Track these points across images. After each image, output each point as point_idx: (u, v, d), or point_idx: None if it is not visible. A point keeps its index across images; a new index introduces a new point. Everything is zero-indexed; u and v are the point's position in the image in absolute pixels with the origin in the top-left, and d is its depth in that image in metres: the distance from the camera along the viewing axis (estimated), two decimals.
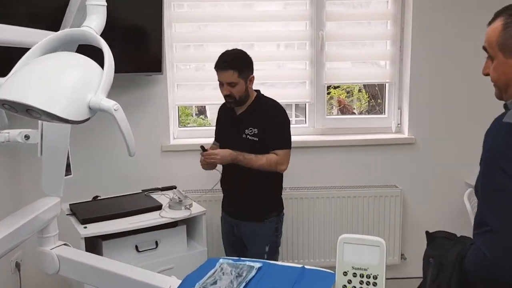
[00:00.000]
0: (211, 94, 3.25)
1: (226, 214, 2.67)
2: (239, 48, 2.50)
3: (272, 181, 2.54)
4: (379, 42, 3.29)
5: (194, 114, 7.22)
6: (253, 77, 2.46)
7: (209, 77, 3.17)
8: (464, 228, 3.12)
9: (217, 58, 2.43)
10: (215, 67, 2.43)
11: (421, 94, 3.17)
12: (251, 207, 2.52)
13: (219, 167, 2.59)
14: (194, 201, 2.71)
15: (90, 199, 2.77)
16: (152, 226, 2.44)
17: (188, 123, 6.24)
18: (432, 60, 3.13)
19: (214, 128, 2.74)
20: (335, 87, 3.70)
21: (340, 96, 5.86)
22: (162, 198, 2.76)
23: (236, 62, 2.40)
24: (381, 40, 3.27)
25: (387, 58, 3.26)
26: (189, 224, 2.63)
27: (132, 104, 3.07)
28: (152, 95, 3.10)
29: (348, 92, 5.41)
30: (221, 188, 2.67)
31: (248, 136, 2.45)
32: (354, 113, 6.54)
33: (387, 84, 3.33)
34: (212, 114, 8.43)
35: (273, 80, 3.21)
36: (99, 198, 2.79)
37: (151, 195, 2.79)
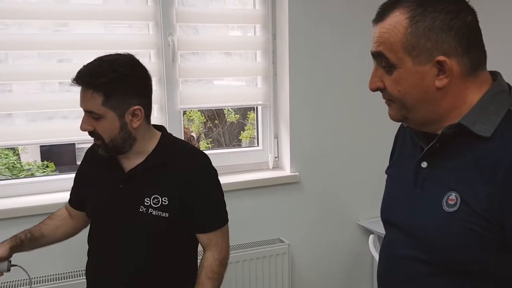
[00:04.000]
0: (22, 128, 2.14)
1: None
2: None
3: (187, 274, 1.57)
4: (247, 53, 2.52)
5: None
6: (140, 109, 1.41)
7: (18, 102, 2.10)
8: (363, 280, 2.56)
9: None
10: (72, 80, 1.40)
11: (304, 118, 2.47)
12: None
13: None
14: None
15: None
16: None
17: None
18: (316, 75, 2.46)
19: (73, 183, 1.67)
20: None
21: None
22: None
23: (103, 78, 1.35)
24: (250, 50, 2.50)
25: (258, 73, 2.50)
26: None
27: None
28: None
29: None
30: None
31: (150, 210, 1.43)
32: (192, 137, 5.73)
33: (259, 107, 2.56)
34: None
35: None
36: None
37: None
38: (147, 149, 1.47)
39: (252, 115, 5.92)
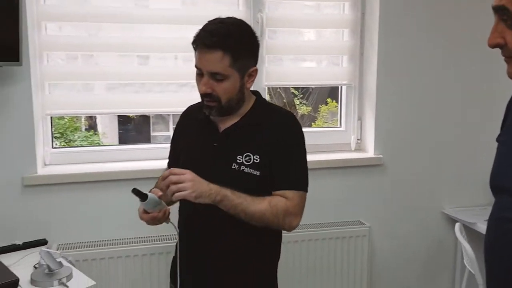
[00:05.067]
0: (103, 98, 2.25)
1: None
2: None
3: (268, 246, 1.58)
4: (334, 31, 2.50)
5: (83, 128, 6.01)
6: (256, 70, 1.47)
7: (100, 72, 2.20)
8: (446, 269, 2.43)
9: (203, 26, 1.43)
10: (193, 43, 1.42)
11: (390, 100, 2.41)
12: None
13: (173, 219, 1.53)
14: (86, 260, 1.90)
15: None
16: None
17: (75, 142, 5.04)
18: (406, 56, 2.40)
19: (170, 146, 1.70)
20: None
21: None
22: (25, 262, 1.74)
23: (232, 39, 1.38)
24: (337, 28, 2.48)
25: (344, 52, 2.47)
26: None
27: None
28: (4, 99, 1.99)
29: None
30: (177, 254, 1.58)
31: (242, 168, 1.46)
32: None
33: (343, 87, 2.53)
34: (105, 127, 7.18)
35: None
36: None
37: (4, 259, 1.72)
38: (243, 110, 1.50)
39: (323, 107, 5.86)
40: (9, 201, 2.03)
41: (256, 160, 1.45)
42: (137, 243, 2.13)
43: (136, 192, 1.34)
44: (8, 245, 1.87)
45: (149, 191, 1.42)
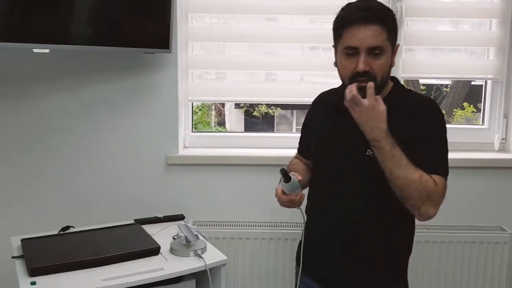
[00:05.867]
0: (234, 87, 2.35)
1: (312, 280, 1.60)
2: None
3: (405, 231, 1.54)
4: (480, 21, 2.33)
5: (213, 125, 6.33)
6: (398, 46, 1.45)
7: (234, 62, 2.32)
8: None
9: (344, 8, 1.42)
10: (341, 22, 1.40)
11: None
12: (370, 275, 1.49)
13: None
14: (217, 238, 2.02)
15: (56, 232, 1.85)
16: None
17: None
18: None
19: (300, 134, 1.73)
20: None
21: None
22: (165, 233, 1.87)
23: (386, 12, 1.39)
24: (484, 18, 2.30)
25: (491, 44, 2.29)
26: (202, 279, 1.69)
27: (123, 95, 2.19)
28: (154, 84, 2.18)
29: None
30: (303, 235, 1.61)
31: None
32: None
33: (489, 82, 2.35)
34: (232, 125, 7.53)
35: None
36: (70, 230, 1.89)
37: (147, 229, 1.88)
38: (382, 95, 1.45)
39: (459, 112, 5.49)
40: (154, 178, 2.22)
41: None
42: (265, 227, 2.19)
43: (284, 172, 1.39)
44: (151, 217, 2.05)
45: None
